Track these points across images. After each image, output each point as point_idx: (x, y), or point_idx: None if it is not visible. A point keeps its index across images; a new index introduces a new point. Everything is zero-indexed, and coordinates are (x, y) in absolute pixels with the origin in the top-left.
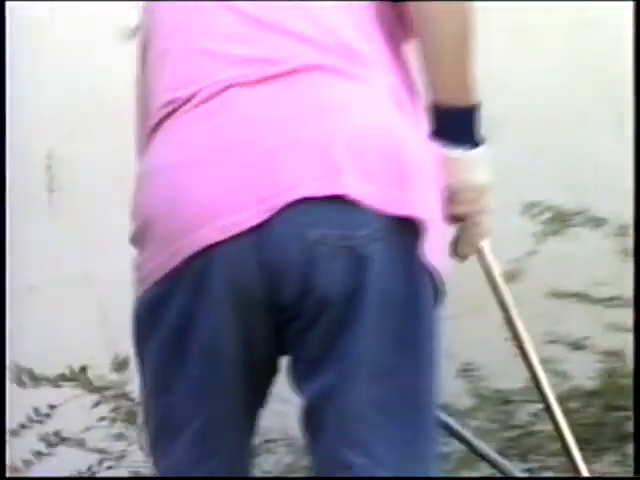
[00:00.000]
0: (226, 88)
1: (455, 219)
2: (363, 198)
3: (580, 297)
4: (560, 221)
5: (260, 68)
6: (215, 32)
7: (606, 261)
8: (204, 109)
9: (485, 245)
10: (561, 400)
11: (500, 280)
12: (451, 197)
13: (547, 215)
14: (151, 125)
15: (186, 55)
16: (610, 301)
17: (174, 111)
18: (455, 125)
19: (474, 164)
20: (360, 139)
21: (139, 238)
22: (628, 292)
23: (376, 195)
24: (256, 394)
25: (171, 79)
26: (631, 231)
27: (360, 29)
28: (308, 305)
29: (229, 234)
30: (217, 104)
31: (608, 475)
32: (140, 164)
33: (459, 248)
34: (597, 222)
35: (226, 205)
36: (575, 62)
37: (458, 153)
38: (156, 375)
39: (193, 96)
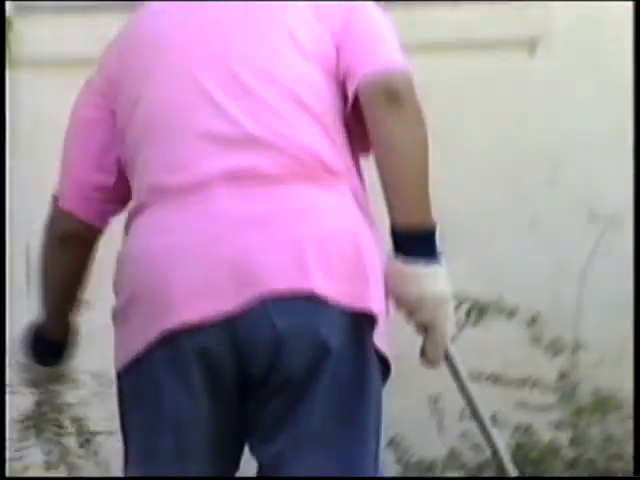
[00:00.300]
0: (211, 184)
1: (420, 327)
2: (327, 294)
3: (494, 378)
4: (477, 311)
5: (243, 170)
6: (206, 132)
7: (518, 347)
8: (190, 200)
9: (451, 349)
10: (478, 469)
11: (467, 382)
12: (416, 306)
13: (466, 306)
14: (136, 204)
15: (177, 144)
16: (521, 383)
17: (161, 197)
18: (418, 243)
19: (435, 276)
20: (326, 241)
21: (122, 314)
22: (536, 374)
23: (338, 291)
24: (229, 460)
25: (160, 162)
26: (540, 320)
27: (330, 140)
28: (272, 379)
29: (208, 317)
30: (202, 198)
31: None
32: (125, 244)
33: (427, 353)
34: (510, 312)
35: (207, 291)
36: (493, 171)
37: (421, 267)
38: (139, 446)
39: (181, 186)
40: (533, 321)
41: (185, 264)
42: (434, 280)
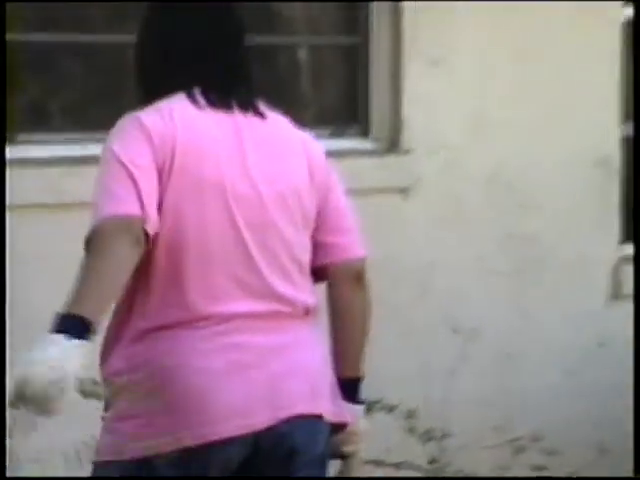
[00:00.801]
0: (236, 319)
1: (342, 456)
2: (326, 415)
3: (377, 463)
4: (364, 407)
5: (262, 311)
6: (239, 278)
7: (396, 436)
8: (218, 330)
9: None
10: None
11: None
12: (349, 438)
13: None
14: (165, 322)
15: (215, 278)
16: (399, 465)
17: (191, 319)
18: (357, 390)
19: (363, 415)
20: (320, 369)
21: (144, 415)
22: (411, 458)
23: (330, 410)
24: None
25: (196, 287)
26: (415, 413)
27: (312, 288)
28: (273, 467)
29: (242, 431)
30: (227, 329)
31: None
32: (151, 353)
33: (344, 476)
34: (390, 408)
35: (242, 409)
36: (373, 290)
37: (359, 407)
38: None
39: (211, 316)
40: (409, 415)
41: (220, 384)
42: (363, 418)
